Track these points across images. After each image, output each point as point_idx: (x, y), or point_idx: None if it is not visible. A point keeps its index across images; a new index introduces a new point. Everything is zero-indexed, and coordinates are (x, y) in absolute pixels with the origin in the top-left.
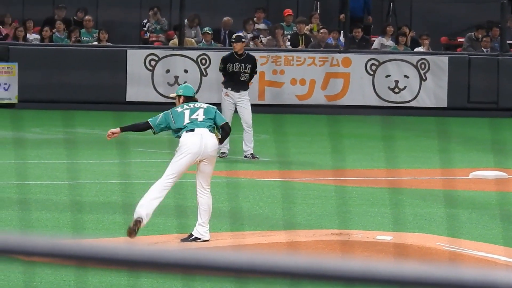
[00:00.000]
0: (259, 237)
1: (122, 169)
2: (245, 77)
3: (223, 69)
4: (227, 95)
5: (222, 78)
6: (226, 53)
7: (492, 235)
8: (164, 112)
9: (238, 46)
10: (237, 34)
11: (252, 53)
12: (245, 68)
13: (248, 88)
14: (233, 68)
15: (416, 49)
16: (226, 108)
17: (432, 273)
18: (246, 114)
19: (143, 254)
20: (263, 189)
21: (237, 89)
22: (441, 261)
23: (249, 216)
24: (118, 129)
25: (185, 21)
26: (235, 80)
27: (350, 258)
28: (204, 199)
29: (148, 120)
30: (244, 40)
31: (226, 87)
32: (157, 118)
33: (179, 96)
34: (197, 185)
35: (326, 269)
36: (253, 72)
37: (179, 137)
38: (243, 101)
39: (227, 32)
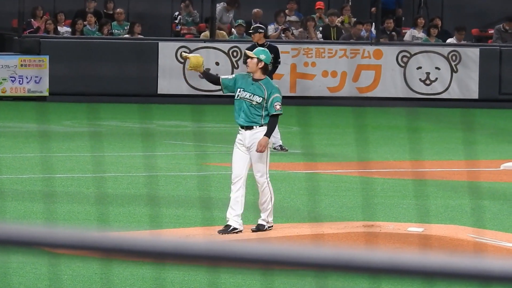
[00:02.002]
0: (291, 229)
1: (153, 161)
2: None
3: (246, 61)
4: None
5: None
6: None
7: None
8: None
9: (256, 37)
10: (255, 25)
11: (283, 45)
12: None
13: (272, 79)
14: None
15: (448, 41)
16: None
17: (459, 264)
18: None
19: (169, 246)
20: (294, 181)
21: None
22: (471, 252)
23: (280, 208)
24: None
25: (223, 4)
26: None
27: (377, 249)
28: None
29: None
30: (261, 30)
31: None
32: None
33: (260, 60)
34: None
35: (353, 260)
36: (276, 62)
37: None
38: None
39: (258, 23)
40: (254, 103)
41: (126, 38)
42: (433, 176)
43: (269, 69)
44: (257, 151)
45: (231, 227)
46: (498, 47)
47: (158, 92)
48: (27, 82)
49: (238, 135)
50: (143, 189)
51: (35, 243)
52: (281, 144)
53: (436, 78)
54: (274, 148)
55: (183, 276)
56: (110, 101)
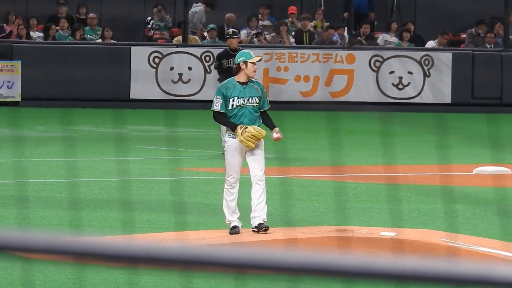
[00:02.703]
0: (264, 234)
1: (126, 166)
2: None
3: (219, 66)
4: None
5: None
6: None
7: (496, 230)
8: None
9: (234, 42)
10: (232, 29)
11: (256, 50)
12: None
13: None
14: (229, 64)
15: (430, 43)
16: None
17: (431, 267)
18: None
19: (142, 250)
20: (267, 185)
21: None
22: (444, 257)
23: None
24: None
25: (201, 5)
26: (230, 76)
27: (349, 253)
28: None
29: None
30: (239, 35)
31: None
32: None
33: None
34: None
35: (326, 264)
36: None
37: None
38: None
39: (230, 28)
40: (254, 105)
41: (98, 43)
42: (406, 180)
43: None
44: (278, 138)
45: (238, 227)
46: (471, 51)
47: (131, 97)
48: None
49: (233, 142)
50: (116, 194)
51: (8, 248)
52: None
53: (409, 83)
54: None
55: (156, 281)
56: (83, 106)
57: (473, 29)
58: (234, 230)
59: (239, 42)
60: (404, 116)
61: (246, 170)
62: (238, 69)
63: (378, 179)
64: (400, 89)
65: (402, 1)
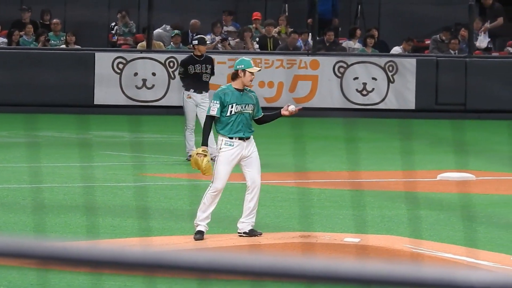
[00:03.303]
0: (228, 240)
1: (89, 172)
2: (207, 77)
3: (184, 72)
4: (190, 97)
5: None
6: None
7: (460, 236)
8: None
9: (202, 48)
10: (200, 36)
11: (220, 56)
12: (206, 68)
13: (209, 89)
14: (194, 70)
15: (395, 49)
16: (189, 110)
17: (393, 272)
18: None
19: (106, 255)
20: (231, 191)
21: (199, 91)
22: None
23: (217, 218)
24: None
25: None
26: (197, 82)
27: (313, 257)
28: None
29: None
30: (207, 43)
31: (188, 89)
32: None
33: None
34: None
35: (289, 268)
36: (212, 73)
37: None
38: (205, 102)
39: (195, 34)
40: (250, 112)
41: (62, 49)
42: (370, 186)
43: None
44: (293, 110)
45: (204, 233)
46: (435, 57)
47: (95, 103)
48: None
49: (230, 150)
50: (79, 200)
51: None
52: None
53: (373, 89)
54: (211, 159)
55: (120, 286)
56: (47, 111)
57: (438, 35)
58: (198, 236)
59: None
60: (368, 122)
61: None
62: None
63: (342, 185)
64: (364, 95)
65: (366, 7)
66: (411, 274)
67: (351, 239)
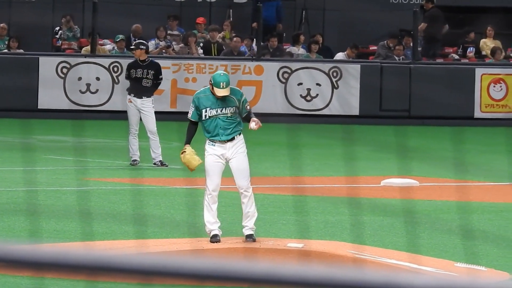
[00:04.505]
0: (171, 245)
1: (33, 176)
2: (147, 83)
3: (128, 76)
4: (130, 102)
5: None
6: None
7: (403, 242)
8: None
9: (137, 53)
10: (137, 41)
11: (164, 61)
12: (147, 74)
13: (152, 95)
14: (135, 74)
15: (338, 55)
16: (131, 114)
17: (336, 277)
18: (150, 122)
19: (48, 257)
20: (174, 196)
21: (139, 95)
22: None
23: (160, 223)
24: None
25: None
26: (137, 86)
27: (255, 261)
28: None
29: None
30: (142, 47)
31: (129, 93)
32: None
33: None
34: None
35: (230, 272)
36: (156, 79)
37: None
38: (147, 107)
39: (137, 39)
40: (228, 114)
41: (6, 53)
42: (313, 192)
43: None
44: (254, 126)
45: (219, 236)
46: (379, 63)
47: (39, 107)
48: None
49: (212, 149)
50: (23, 204)
51: None
52: (161, 159)
53: (317, 94)
54: (154, 164)
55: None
56: None
57: (385, 42)
58: (213, 239)
59: (147, 52)
60: (311, 127)
61: (148, 180)
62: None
63: (285, 190)
64: (308, 101)
65: (310, 13)
66: (355, 279)
67: (294, 244)
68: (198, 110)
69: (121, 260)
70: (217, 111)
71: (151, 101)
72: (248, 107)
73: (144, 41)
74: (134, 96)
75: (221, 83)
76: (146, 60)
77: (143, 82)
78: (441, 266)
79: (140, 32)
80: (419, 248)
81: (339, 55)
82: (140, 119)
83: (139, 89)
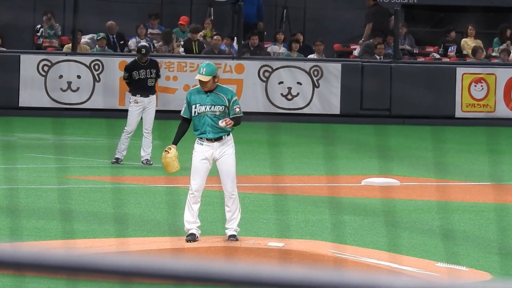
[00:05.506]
0: (151, 243)
1: (13, 174)
2: (152, 82)
3: (128, 77)
4: (137, 102)
5: (115, 85)
6: (119, 59)
7: (384, 242)
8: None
9: (145, 59)
10: (143, 45)
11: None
12: (151, 73)
13: (155, 92)
14: (139, 75)
15: (310, 56)
16: (134, 115)
17: (316, 277)
18: (149, 119)
19: (29, 257)
20: (154, 194)
21: (146, 95)
22: (329, 267)
23: (141, 222)
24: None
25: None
26: (143, 87)
27: (235, 262)
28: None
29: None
30: (143, 51)
31: (134, 95)
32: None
33: (214, 76)
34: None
35: (211, 273)
36: (158, 76)
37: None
38: (153, 105)
39: (114, 36)
40: (217, 113)
41: None
42: (293, 191)
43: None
44: (220, 123)
45: (196, 235)
46: (360, 62)
47: (20, 105)
48: None
49: (200, 148)
50: (3, 202)
51: None
52: (148, 158)
53: (298, 93)
54: (142, 162)
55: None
56: None
57: (372, 40)
58: (189, 238)
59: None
60: (292, 126)
61: (129, 179)
62: None
63: (265, 189)
64: (289, 100)
65: (291, 11)
66: (334, 280)
67: (275, 243)
68: (189, 106)
69: (101, 259)
70: (205, 108)
71: (155, 98)
72: (237, 110)
73: (146, 45)
74: (141, 96)
75: (202, 69)
76: (147, 60)
77: (149, 82)
78: (422, 266)
79: (115, 28)
80: (399, 248)
81: (312, 56)
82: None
83: (145, 89)
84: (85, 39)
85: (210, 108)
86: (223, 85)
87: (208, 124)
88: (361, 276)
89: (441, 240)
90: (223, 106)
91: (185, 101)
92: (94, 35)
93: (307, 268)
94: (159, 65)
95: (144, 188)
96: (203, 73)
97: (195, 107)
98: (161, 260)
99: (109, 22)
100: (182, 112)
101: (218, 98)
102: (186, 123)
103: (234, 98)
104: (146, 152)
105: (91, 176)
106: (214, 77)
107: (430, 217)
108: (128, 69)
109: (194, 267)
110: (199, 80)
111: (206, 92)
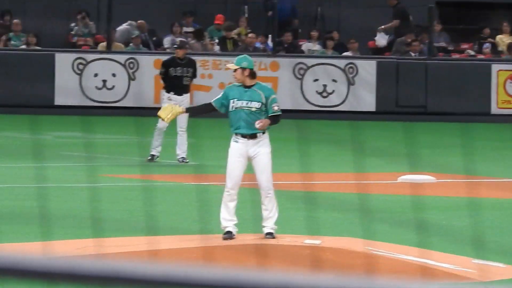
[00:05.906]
0: (181, 242)
1: (48, 172)
2: (188, 81)
3: (164, 73)
4: (170, 99)
5: (149, 84)
6: (154, 57)
7: (407, 239)
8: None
9: (180, 52)
10: (181, 40)
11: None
12: (187, 72)
13: (190, 91)
14: (175, 73)
15: (344, 54)
16: None
17: (345, 285)
18: (184, 117)
19: (6, 262)
20: (187, 193)
21: (180, 93)
22: (371, 265)
23: (171, 220)
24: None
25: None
26: (178, 84)
27: (215, 266)
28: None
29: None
30: (187, 46)
31: (168, 91)
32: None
33: (244, 68)
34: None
35: (192, 277)
36: (194, 76)
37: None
38: (186, 104)
39: (146, 34)
40: (253, 109)
41: (23, 49)
42: (329, 188)
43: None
44: (257, 125)
45: (232, 233)
46: (395, 60)
47: (55, 104)
48: None
49: (236, 144)
50: (39, 201)
51: None
52: (184, 156)
53: (333, 91)
54: (178, 160)
55: None
56: (8, 112)
57: (404, 38)
58: (226, 236)
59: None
60: (327, 124)
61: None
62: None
63: (302, 186)
64: (324, 97)
65: (325, 9)
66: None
67: (311, 241)
68: (226, 100)
69: (81, 264)
70: (242, 103)
71: (189, 97)
72: (275, 108)
73: (185, 40)
74: (174, 94)
75: (236, 59)
76: (185, 58)
77: (184, 80)
78: (458, 262)
79: (145, 27)
80: (430, 245)
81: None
82: None
83: (179, 87)
84: (122, 26)
85: (246, 104)
86: (263, 83)
87: (243, 119)
88: (392, 284)
89: (471, 238)
90: (260, 103)
91: (221, 93)
92: (132, 21)
93: (336, 277)
94: (196, 64)
95: (177, 186)
96: (235, 63)
97: (233, 102)
98: (136, 265)
99: (139, 21)
100: (213, 100)
101: (255, 94)
102: (209, 107)
103: (273, 96)
104: (181, 150)
105: (125, 174)
106: (244, 69)
107: (461, 214)
108: (165, 64)
109: (169, 272)
110: (232, 70)
111: (245, 87)
